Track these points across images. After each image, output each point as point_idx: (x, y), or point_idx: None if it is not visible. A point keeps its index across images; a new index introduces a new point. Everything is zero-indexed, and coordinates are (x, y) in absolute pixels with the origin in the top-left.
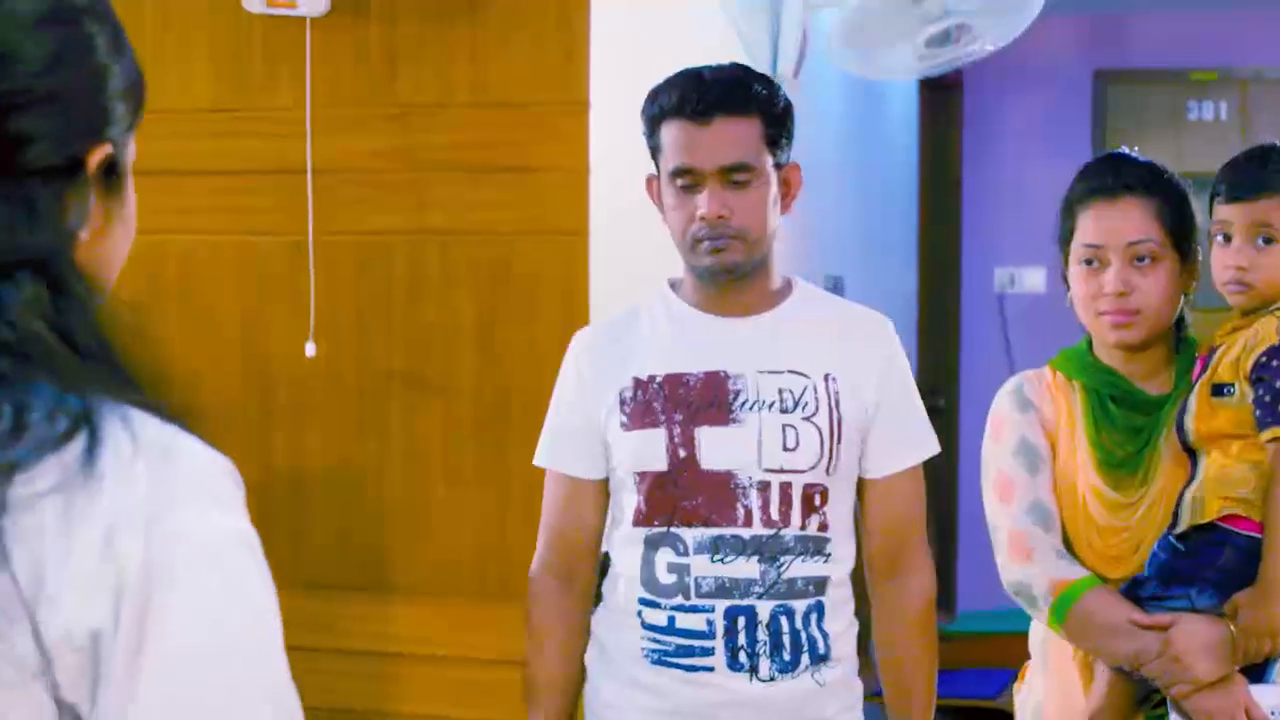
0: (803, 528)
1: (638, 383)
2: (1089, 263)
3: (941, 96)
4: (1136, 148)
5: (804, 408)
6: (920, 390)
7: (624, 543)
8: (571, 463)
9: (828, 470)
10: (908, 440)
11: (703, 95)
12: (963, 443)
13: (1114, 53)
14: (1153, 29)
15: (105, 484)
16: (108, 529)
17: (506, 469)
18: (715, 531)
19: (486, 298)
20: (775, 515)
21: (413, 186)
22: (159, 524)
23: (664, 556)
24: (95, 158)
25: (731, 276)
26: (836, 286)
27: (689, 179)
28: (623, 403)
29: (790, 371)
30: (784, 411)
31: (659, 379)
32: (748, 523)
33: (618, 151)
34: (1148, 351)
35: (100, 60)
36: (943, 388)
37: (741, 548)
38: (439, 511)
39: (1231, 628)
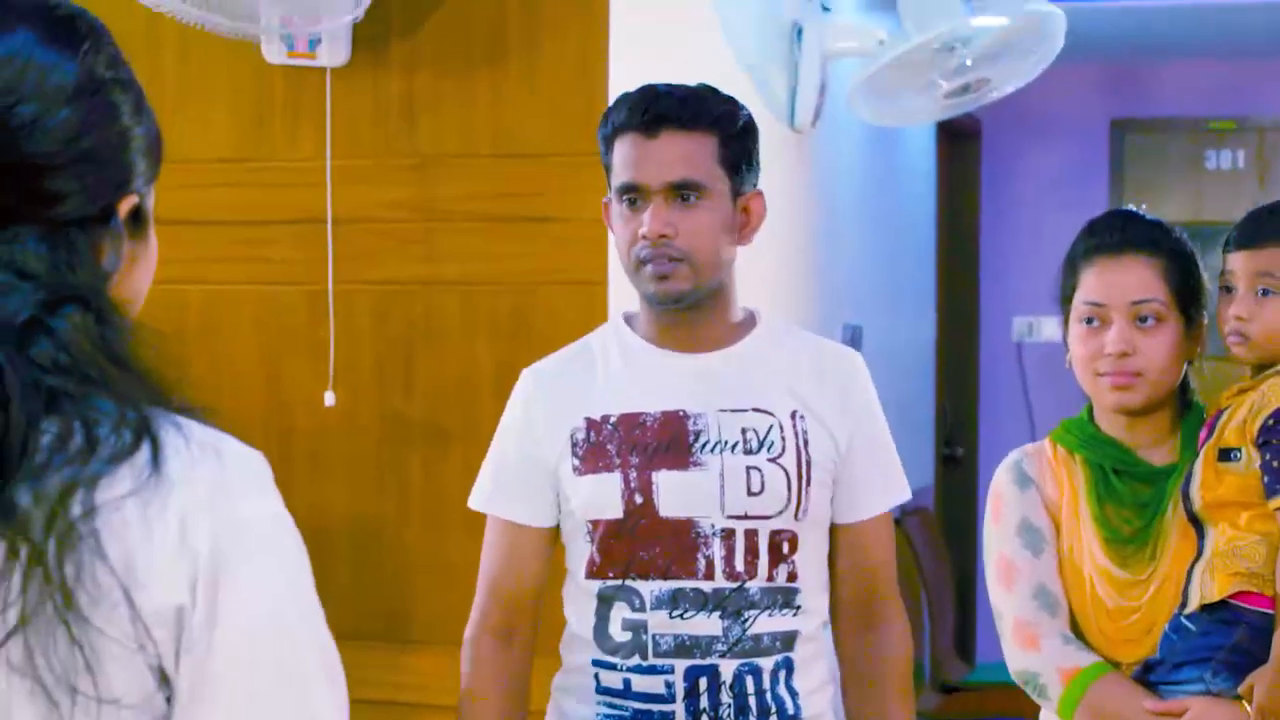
0: (770, 579)
1: (590, 423)
2: (1090, 321)
3: (960, 145)
4: (1145, 204)
5: (769, 448)
6: (938, 439)
7: (576, 597)
8: (513, 507)
9: (796, 515)
10: (880, 483)
11: (650, 107)
12: (981, 491)
13: (1132, 102)
14: (1170, 78)
15: (173, 484)
16: (180, 522)
17: None
18: (674, 584)
19: (506, 348)
20: (740, 566)
21: (432, 236)
22: (221, 514)
23: (619, 612)
24: (124, 207)
25: (680, 306)
26: (855, 336)
27: (634, 195)
28: (574, 445)
29: (754, 410)
30: (748, 452)
31: (613, 419)
32: (709, 575)
33: None
34: (1151, 418)
35: (124, 124)
36: (961, 437)
37: (703, 602)
38: (459, 561)
39: (1248, 709)
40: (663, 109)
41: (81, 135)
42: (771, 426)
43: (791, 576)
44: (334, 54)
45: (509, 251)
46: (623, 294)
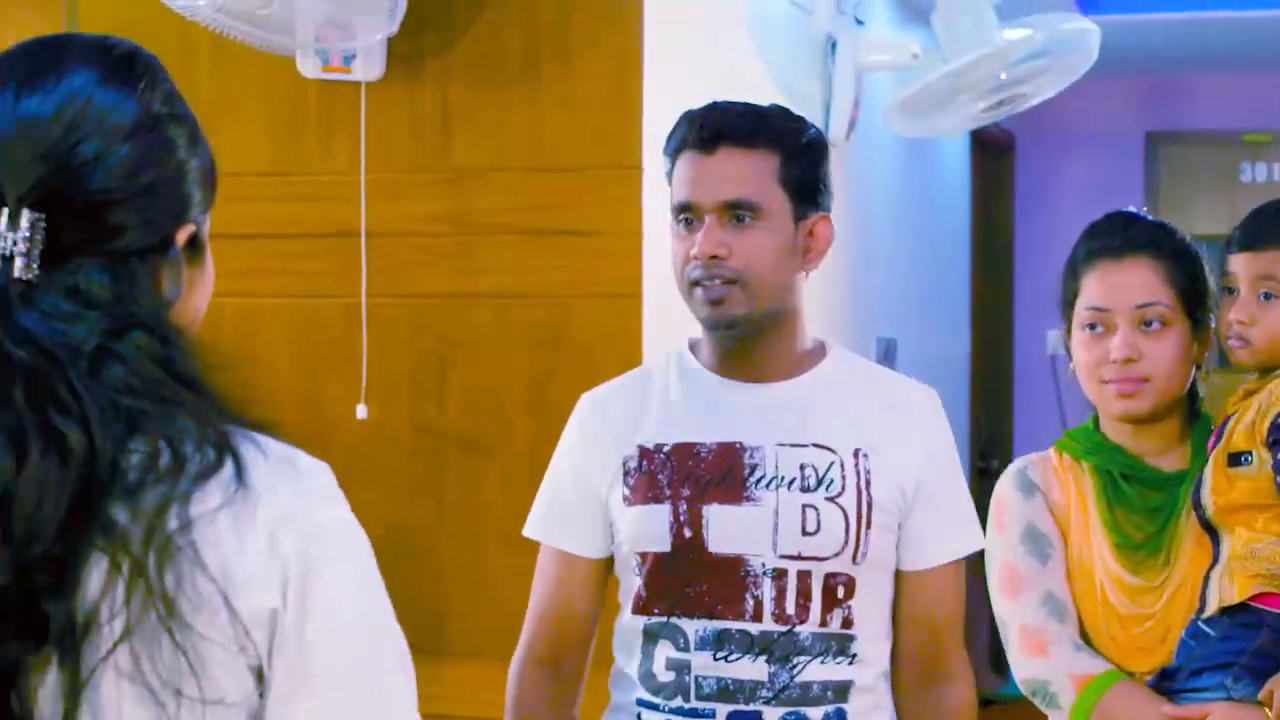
0: (823, 624)
1: (643, 452)
2: (1093, 327)
3: (994, 158)
4: (1145, 207)
5: (828, 486)
6: (973, 453)
7: (624, 632)
8: (566, 537)
9: (854, 558)
10: (950, 530)
11: (709, 123)
12: None
13: (1166, 114)
14: (1205, 91)
15: (259, 496)
16: (269, 532)
17: None
18: (719, 625)
19: (540, 360)
20: (790, 609)
21: (466, 250)
22: (303, 522)
23: (664, 651)
24: (181, 236)
25: (737, 333)
26: (889, 349)
27: (689, 214)
28: (626, 473)
29: (815, 445)
30: (805, 490)
31: (667, 448)
32: (756, 616)
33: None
34: (1159, 425)
35: (180, 158)
36: (996, 450)
37: (748, 645)
38: (494, 574)
39: (1270, 715)
40: (721, 125)
41: (140, 170)
42: (832, 464)
43: (847, 623)
44: (369, 68)
45: (543, 264)
46: (657, 308)
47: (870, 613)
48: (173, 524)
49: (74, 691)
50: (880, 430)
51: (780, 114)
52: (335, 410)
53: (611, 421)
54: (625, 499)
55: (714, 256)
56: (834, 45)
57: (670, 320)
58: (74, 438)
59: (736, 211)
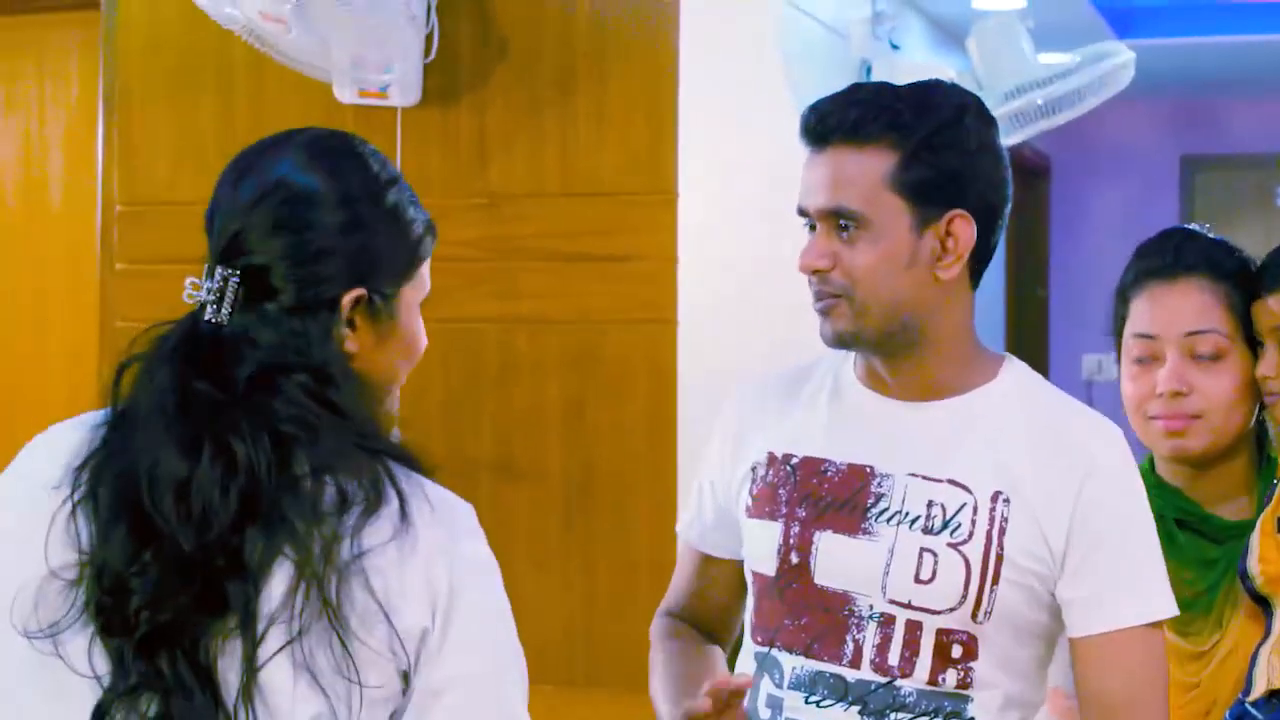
0: (932, 682)
1: (771, 459)
2: (1140, 358)
3: (1030, 182)
4: (1209, 225)
5: (954, 531)
6: None
7: (744, 654)
8: (703, 537)
9: (975, 615)
10: (1120, 591)
11: (821, 113)
12: None
13: (1202, 138)
14: (1241, 114)
15: (418, 532)
16: (426, 562)
17: (594, 556)
18: (815, 666)
19: (575, 385)
20: (893, 660)
21: (502, 275)
22: (453, 556)
23: (765, 684)
24: (347, 300)
25: (856, 349)
26: None
27: (807, 219)
28: (753, 481)
29: (950, 482)
30: (927, 531)
31: (795, 460)
32: (855, 663)
33: (706, 240)
34: (1220, 468)
35: (331, 239)
36: None
37: (842, 692)
38: (526, 597)
39: None
40: (831, 117)
41: (303, 244)
42: (964, 506)
43: (964, 684)
44: (405, 93)
45: (578, 289)
46: (692, 333)
47: (998, 678)
48: (347, 552)
49: (251, 667)
50: (1031, 472)
51: (916, 98)
52: None
53: (752, 418)
54: (747, 509)
55: (815, 270)
56: (869, 69)
57: (705, 345)
58: (239, 449)
59: (839, 220)
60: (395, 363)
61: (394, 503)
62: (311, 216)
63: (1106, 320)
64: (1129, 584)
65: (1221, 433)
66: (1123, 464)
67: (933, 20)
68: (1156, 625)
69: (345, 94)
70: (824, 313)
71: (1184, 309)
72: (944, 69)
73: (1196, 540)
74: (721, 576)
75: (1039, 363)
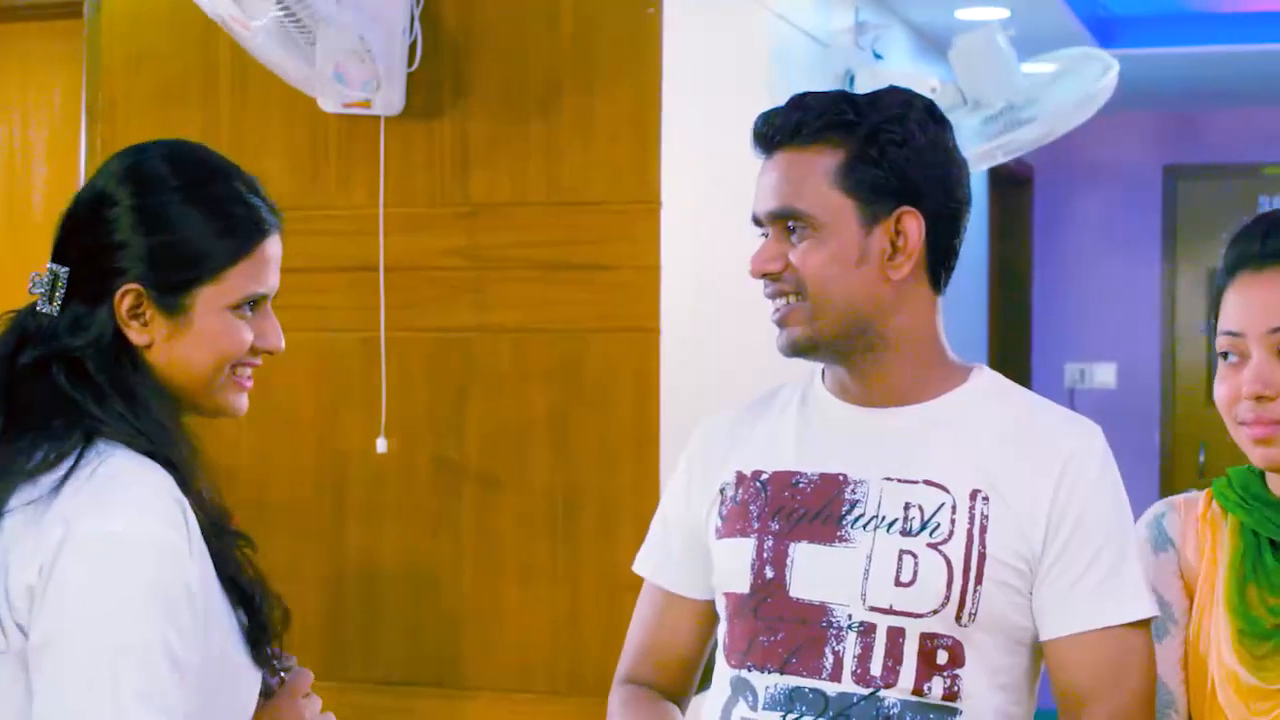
0: (918, 691)
1: (740, 478)
2: (1226, 356)
3: (1012, 191)
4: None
5: (933, 531)
6: None
7: (717, 681)
8: (667, 574)
9: (959, 618)
10: (1095, 591)
11: (766, 121)
12: None
13: (1185, 148)
14: (1223, 124)
15: (60, 498)
16: (49, 527)
17: (579, 565)
18: (792, 682)
19: (559, 395)
20: (875, 669)
21: (485, 284)
22: (75, 524)
23: (738, 709)
24: (118, 295)
25: (816, 356)
26: None
27: (761, 229)
28: (722, 502)
29: (926, 482)
30: (906, 534)
31: (765, 476)
32: (835, 675)
33: (690, 250)
34: None
35: (115, 238)
36: None
37: (821, 708)
38: (511, 608)
39: None
40: (774, 124)
41: (76, 242)
42: (942, 505)
43: (951, 695)
44: (388, 102)
45: (561, 299)
46: (675, 342)
47: (986, 687)
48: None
49: None
50: (1007, 471)
51: (863, 99)
52: (354, 444)
53: (717, 446)
54: (717, 530)
55: (764, 273)
56: (852, 79)
57: (689, 355)
58: None
59: (787, 222)
60: (194, 358)
61: (61, 470)
62: (103, 215)
63: (1092, 329)
64: (1101, 585)
65: None
66: (1101, 461)
67: (916, 30)
68: (1133, 626)
69: (329, 103)
70: (780, 321)
71: (1271, 301)
72: (927, 79)
73: None
74: (686, 620)
75: (1022, 371)
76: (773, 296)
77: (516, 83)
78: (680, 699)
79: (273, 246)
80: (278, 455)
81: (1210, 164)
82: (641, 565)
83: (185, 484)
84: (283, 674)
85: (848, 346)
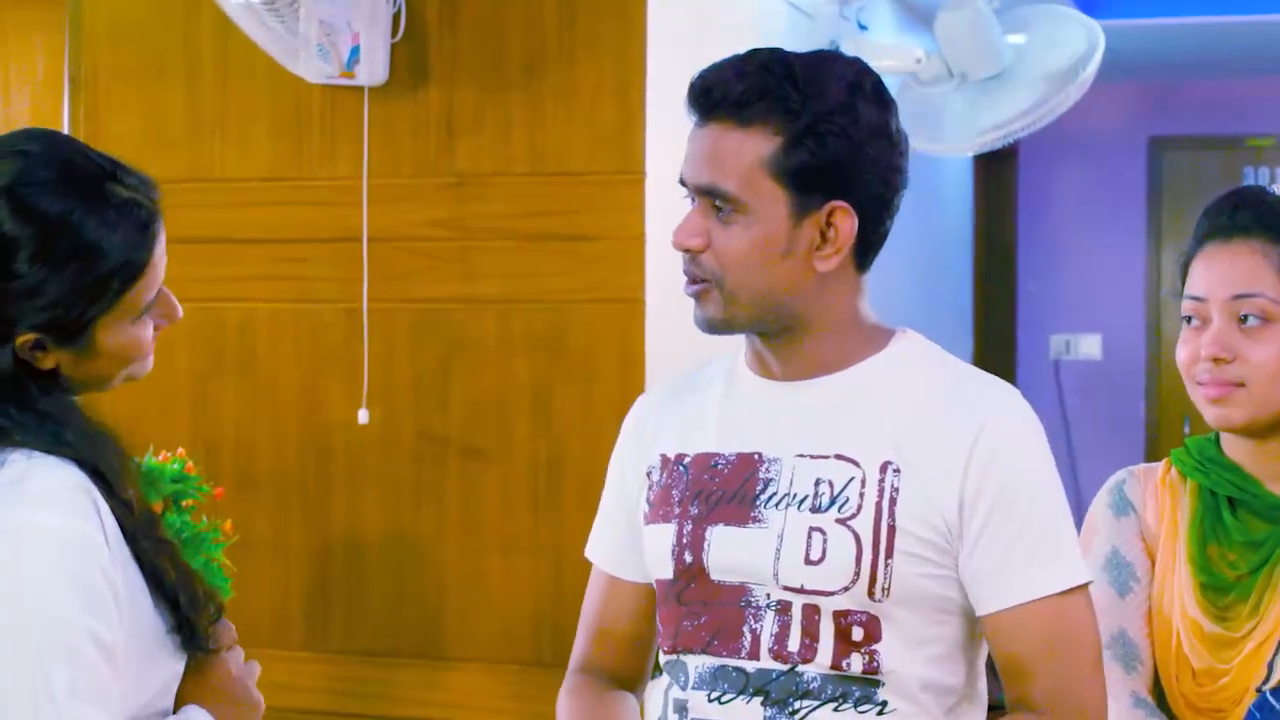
0: (836, 666)
1: (664, 462)
2: (1190, 320)
3: (997, 164)
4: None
5: (841, 506)
6: None
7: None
8: (610, 558)
9: (871, 593)
10: (1024, 562)
11: (706, 82)
12: None
13: (1169, 119)
14: (1207, 95)
15: None
16: None
17: (562, 536)
18: (716, 661)
19: (542, 365)
20: (793, 646)
21: (469, 255)
22: None
23: (672, 690)
24: (19, 345)
25: (730, 334)
26: None
27: (687, 192)
28: (649, 487)
29: (837, 457)
30: (815, 510)
31: (688, 459)
32: (753, 653)
33: (674, 219)
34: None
35: (16, 297)
36: None
37: (743, 684)
38: (495, 579)
39: None
40: (717, 89)
41: None
42: (852, 480)
43: (871, 668)
44: (372, 73)
45: (545, 270)
46: (660, 314)
47: (909, 660)
48: None
49: None
50: (921, 439)
51: (808, 74)
52: (337, 415)
53: (647, 428)
54: (645, 516)
55: (686, 248)
56: (837, 50)
57: (673, 326)
58: None
59: (714, 200)
60: (104, 371)
61: None
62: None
63: (1076, 301)
64: (1031, 552)
65: (1266, 403)
66: (1020, 424)
67: (901, 1)
68: (1068, 594)
69: (312, 73)
70: (695, 298)
71: (1233, 271)
72: (912, 50)
73: (1247, 519)
74: (629, 604)
75: (1007, 343)
76: (688, 274)
77: (501, 53)
78: (634, 682)
79: (161, 242)
80: (261, 427)
81: (1194, 135)
82: (589, 549)
83: (109, 488)
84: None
85: (764, 328)
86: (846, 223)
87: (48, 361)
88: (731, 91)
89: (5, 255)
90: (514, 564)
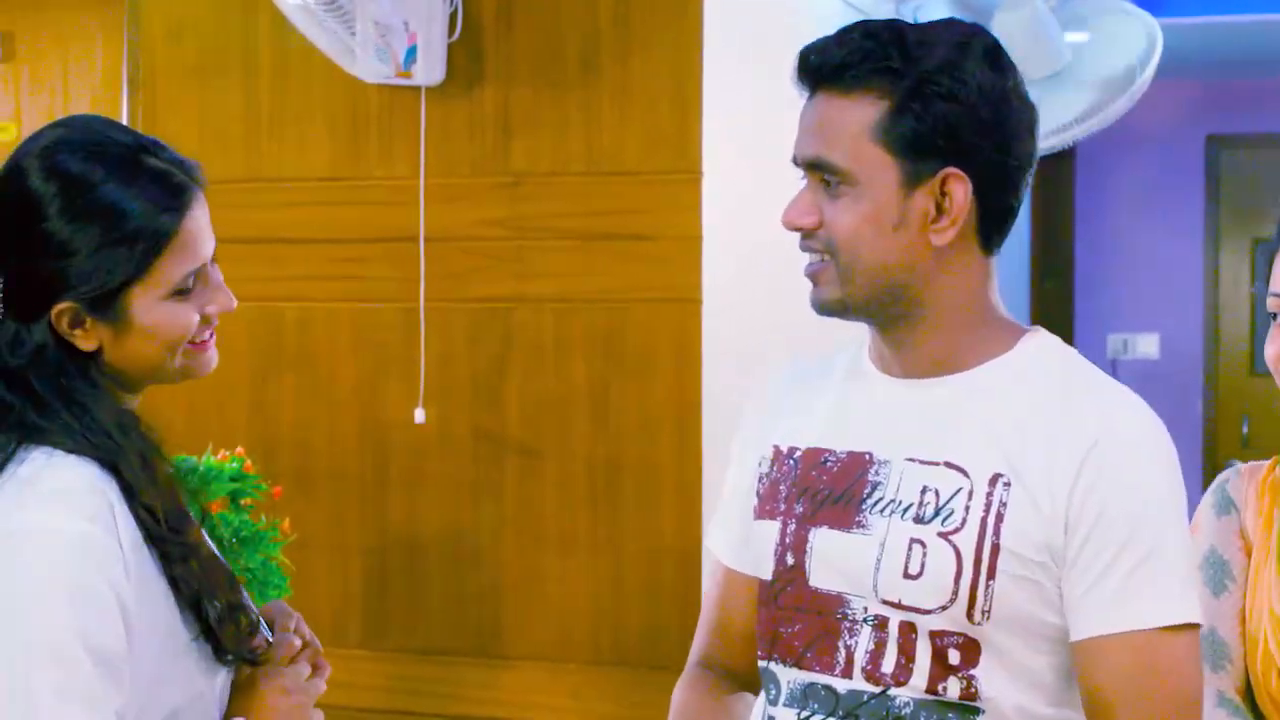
0: (932, 690)
1: (776, 454)
2: (1275, 317)
3: (1054, 162)
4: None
5: (945, 519)
6: None
7: None
8: (724, 547)
9: (971, 615)
10: (1120, 590)
11: (811, 55)
12: None
13: (1227, 117)
14: (1265, 93)
15: None
16: None
17: (619, 534)
18: (808, 677)
19: (599, 364)
20: (887, 667)
21: (525, 254)
22: None
23: (762, 704)
24: (54, 315)
25: (847, 318)
26: None
27: (799, 170)
28: (760, 478)
29: (946, 464)
30: (919, 520)
31: (799, 453)
32: (846, 671)
33: (730, 219)
34: None
35: (49, 261)
36: None
37: (832, 705)
38: (552, 578)
39: None
40: (818, 59)
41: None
42: (959, 491)
43: (969, 694)
44: (429, 74)
45: (601, 269)
46: (716, 312)
47: (1008, 688)
48: None
49: None
50: (1032, 452)
51: (915, 37)
52: (394, 414)
53: (767, 411)
54: (754, 510)
55: (799, 228)
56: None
57: (729, 325)
58: None
59: (823, 174)
60: (144, 351)
61: None
62: (30, 231)
63: (1134, 300)
64: (1131, 579)
65: None
66: (1138, 440)
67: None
68: (1166, 631)
69: (369, 74)
70: (811, 277)
71: None
72: None
73: None
74: (744, 596)
75: (1064, 341)
76: (805, 250)
77: (557, 52)
78: (755, 679)
79: (197, 217)
80: (318, 426)
81: (1253, 133)
82: (708, 536)
83: (130, 489)
84: (267, 640)
85: (881, 312)
86: (960, 190)
87: (88, 342)
88: (832, 58)
89: (34, 214)
90: (571, 563)
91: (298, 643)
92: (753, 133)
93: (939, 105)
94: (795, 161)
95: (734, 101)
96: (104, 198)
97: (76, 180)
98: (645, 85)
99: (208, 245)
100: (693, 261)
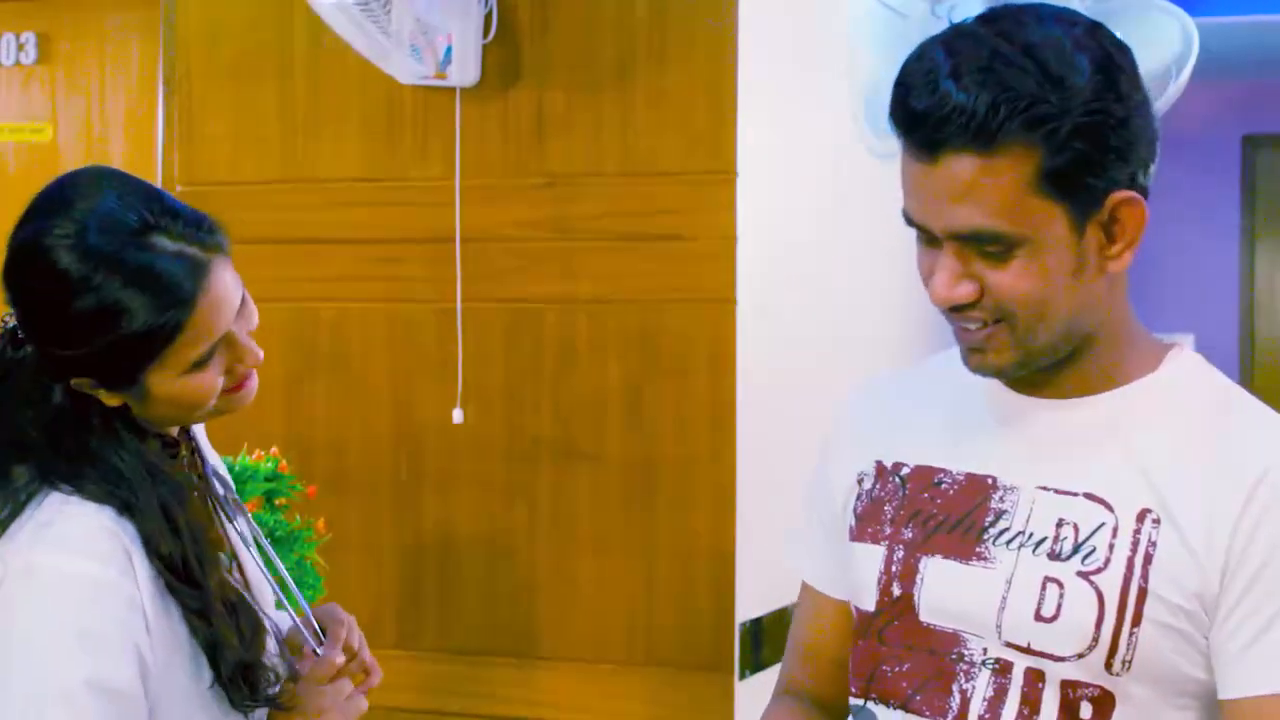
0: None
1: (880, 470)
2: None
3: None
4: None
5: (1085, 557)
6: None
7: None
8: (810, 567)
9: (1110, 665)
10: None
11: (926, 117)
12: None
13: (1264, 118)
14: None
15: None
16: None
17: (654, 537)
18: None
19: (635, 365)
20: (1008, 716)
21: (561, 255)
22: (14, 561)
23: None
24: (76, 385)
25: (1007, 378)
26: None
27: (920, 230)
28: (858, 496)
29: (1086, 496)
30: (1054, 557)
31: (906, 470)
32: (960, 719)
33: (766, 219)
34: None
35: (73, 345)
36: None
37: None
38: (587, 579)
39: None
40: (943, 122)
41: (29, 327)
42: (1102, 526)
43: None
44: (464, 73)
45: (638, 270)
46: (752, 313)
47: None
48: None
49: None
50: (1186, 486)
51: (1042, 72)
52: (431, 415)
53: (862, 424)
54: (851, 531)
55: (956, 306)
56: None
57: (766, 326)
58: None
59: (979, 245)
60: (174, 414)
61: (7, 517)
62: (59, 307)
63: (1170, 303)
64: None
65: None
66: None
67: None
68: None
69: (405, 74)
70: (976, 348)
71: None
72: None
73: None
74: (833, 620)
75: None
76: (963, 320)
77: (592, 53)
78: (843, 706)
79: (213, 291)
80: (354, 426)
81: None
82: (790, 555)
83: (149, 538)
84: (316, 652)
85: (1055, 357)
86: (1134, 213)
87: (112, 400)
88: (967, 119)
89: (42, 305)
90: (606, 564)
91: (340, 660)
92: (787, 134)
93: (1099, 135)
94: (918, 226)
95: (768, 103)
96: (107, 299)
97: (80, 282)
98: (680, 86)
99: (227, 315)
100: (728, 262)
